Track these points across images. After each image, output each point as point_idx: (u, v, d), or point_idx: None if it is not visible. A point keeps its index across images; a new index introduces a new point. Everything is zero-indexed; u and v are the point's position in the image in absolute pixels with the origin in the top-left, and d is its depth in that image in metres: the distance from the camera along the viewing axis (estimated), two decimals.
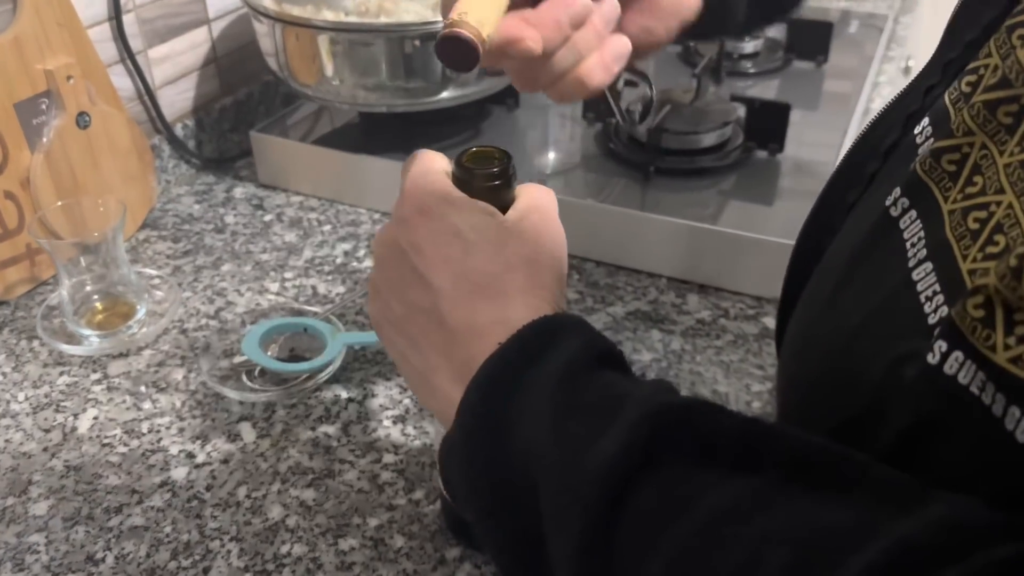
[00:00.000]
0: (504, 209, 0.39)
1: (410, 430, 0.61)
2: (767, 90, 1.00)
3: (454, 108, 0.85)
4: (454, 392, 0.35)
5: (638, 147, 0.83)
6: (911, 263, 0.31)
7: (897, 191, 0.34)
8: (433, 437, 0.59)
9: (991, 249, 0.28)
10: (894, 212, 0.33)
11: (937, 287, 0.29)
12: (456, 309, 0.36)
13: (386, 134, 0.88)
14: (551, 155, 0.90)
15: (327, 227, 0.85)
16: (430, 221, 0.37)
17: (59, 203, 0.70)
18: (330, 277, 0.77)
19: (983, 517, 0.25)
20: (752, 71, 1.02)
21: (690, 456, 0.29)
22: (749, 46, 1.03)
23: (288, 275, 0.78)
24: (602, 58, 0.46)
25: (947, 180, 0.31)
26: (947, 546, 0.24)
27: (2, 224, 0.73)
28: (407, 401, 0.63)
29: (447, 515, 0.53)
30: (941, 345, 0.27)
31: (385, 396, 0.64)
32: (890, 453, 0.29)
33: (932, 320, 0.29)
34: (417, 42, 0.78)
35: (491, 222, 0.38)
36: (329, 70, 0.81)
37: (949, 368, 0.27)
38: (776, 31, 1.07)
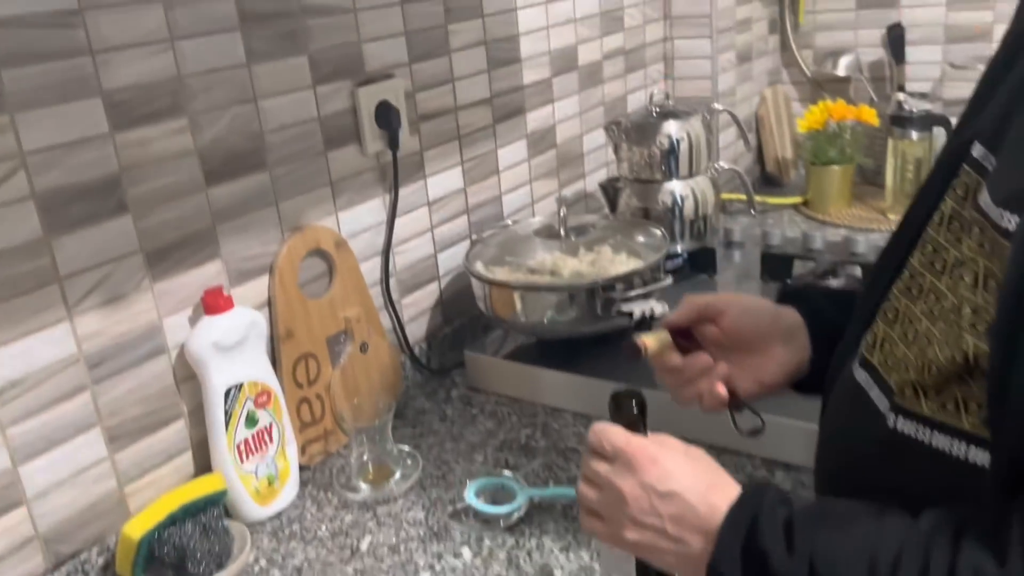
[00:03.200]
0: (645, 421, 0.66)
1: (571, 555, 0.86)
2: None
3: (598, 335, 1.15)
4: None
5: None
6: (867, 389, 0.61)
7: (856, 365, 0.64)
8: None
9: (900, 370, 0.58)
10: (858, 377, 0.63)
11: (881, 394, 0.59)
12: (701, 503, 0.58)
13: (554, 352, 1.19)
14: None
15: (514, 418, 1.14)
16: (657, 462, 0.60)
17: (354, 400, 1.04)
18: (516, 452, 1.06)
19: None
20: None
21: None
22: (833, 284, 1.28)
23: (489, 450, 1.07)
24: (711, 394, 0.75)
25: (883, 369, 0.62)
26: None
27: (312, 415, 1.08)
28: (569, 536, 0.89)
29: None
30: (891, 416, 0.57)
31: (554, 532, 0.90)
32: (882, 480, 0.57)
33: (882, 409, 0.58)
34: (573, 294, 1.10)
35: (679, 451, 0.63)
36: (519, 310, 1.15)
37: (900, 427, 0.56)
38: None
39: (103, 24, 0.82)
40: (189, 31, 0.89)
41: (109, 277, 0.86)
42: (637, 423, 0.66)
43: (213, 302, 0.92)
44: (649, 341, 0.75)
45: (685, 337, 0.77)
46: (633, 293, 1.09)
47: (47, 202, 0.80)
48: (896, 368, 0.59)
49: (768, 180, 2.01)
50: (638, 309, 1.08)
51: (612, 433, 0.64)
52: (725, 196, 1.74)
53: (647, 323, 1.04)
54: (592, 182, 1.60)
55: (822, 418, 0.72)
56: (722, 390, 0.74)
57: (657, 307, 1.05)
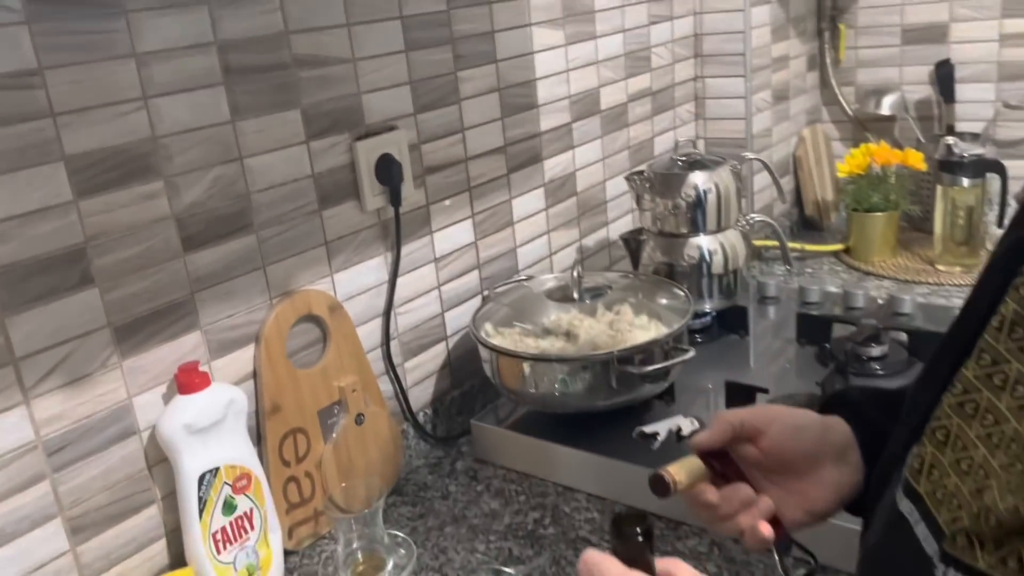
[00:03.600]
0: (651, 548, 0.55)
1: None
2: None
3: (616, 408, 1.05)
4: None
5: None
6: (912, 524, 0.50)
7: (900, 493, 0.52)
8: None
9: (952, 507, 0.47)
10: (902, 507, 0.52)
11: (929, 535, 0.48)
12: None
13: (568, 425, 1.09)
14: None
15: (522, 497, 1.05)
16: None
17: (343, 484, 0.95)
18: (521, 542, 0.96)
19: None
20: (880, 372, 1.14)
21: None
22: (876, 350, 1.16)
23: (492, 537, 0.97)
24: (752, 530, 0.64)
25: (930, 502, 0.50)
26: None
27: (300, 495, 0.99)
28: None
29: None
30: (940, 567, 0.46)
31: None
32: None
33: (930, 553, 0.48)
34: (587, 365, 1.00)
35: None
36: (527, 380, 1.05)
37: None
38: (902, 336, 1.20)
39: (66, 84, 0.75)
40: (165, 88, 0.82)
41: (72, 355, 0.79)
42: (642, 552, 0.56)
43: (187, 380, 0.84)
44: (678, 473, 0.63)
45: (719, 459, 0.66)
46: (651, 368, 0.98)
47: (1, 278, 0.73)
48: (946, 503, 0.48)
49: (807, 224, 1.89)
50: (663, 429, 0.97)
51: (606, 570, 0.54)
52: (759, 243, 1.63)
53: (675, 440, 0.93)
54: (616, 230, 1.50)
55: (862, 540, 0.61)
56: (766, 530, 0.63)
57: (685, 424, 0.94)
